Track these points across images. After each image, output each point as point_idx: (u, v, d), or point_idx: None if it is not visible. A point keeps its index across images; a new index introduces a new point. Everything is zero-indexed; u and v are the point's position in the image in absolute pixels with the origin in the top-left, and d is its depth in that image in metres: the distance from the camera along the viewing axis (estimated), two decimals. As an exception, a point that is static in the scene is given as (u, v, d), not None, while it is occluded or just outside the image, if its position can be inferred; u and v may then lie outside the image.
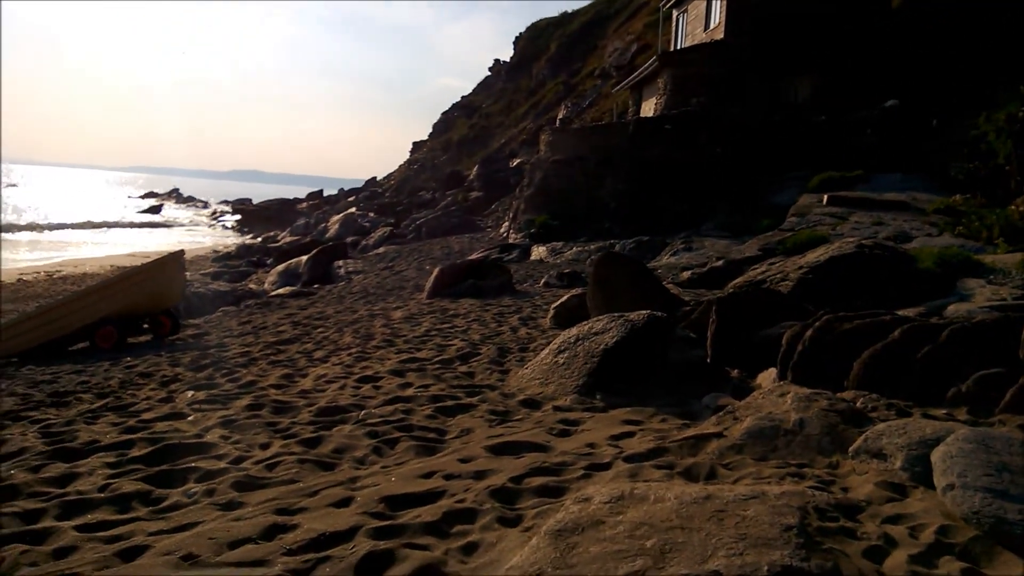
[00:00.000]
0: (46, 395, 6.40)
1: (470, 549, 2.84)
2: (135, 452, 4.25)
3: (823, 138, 18.42)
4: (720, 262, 12.19)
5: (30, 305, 17.34)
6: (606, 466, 3.63)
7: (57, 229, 48.46)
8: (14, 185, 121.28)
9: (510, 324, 8.58)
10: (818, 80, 20.98)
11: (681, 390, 5.16)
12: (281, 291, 16.41)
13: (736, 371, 5.64)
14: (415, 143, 71.07)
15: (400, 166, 67.81)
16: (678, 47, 27.37)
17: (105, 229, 51.45)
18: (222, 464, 3.95)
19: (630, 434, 4.21)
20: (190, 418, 4.99)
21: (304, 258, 20.43)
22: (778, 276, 8.80)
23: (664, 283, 9.19)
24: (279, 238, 37.34)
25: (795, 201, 15.08)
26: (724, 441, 3.89)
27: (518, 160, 36.79)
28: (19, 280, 24.14)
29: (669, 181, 18.94)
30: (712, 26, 23.94)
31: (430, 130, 71.04)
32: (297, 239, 32.79)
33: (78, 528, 3.23)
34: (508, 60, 66.43)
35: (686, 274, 12.11)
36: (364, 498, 3.33)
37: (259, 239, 40.18)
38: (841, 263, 8.24)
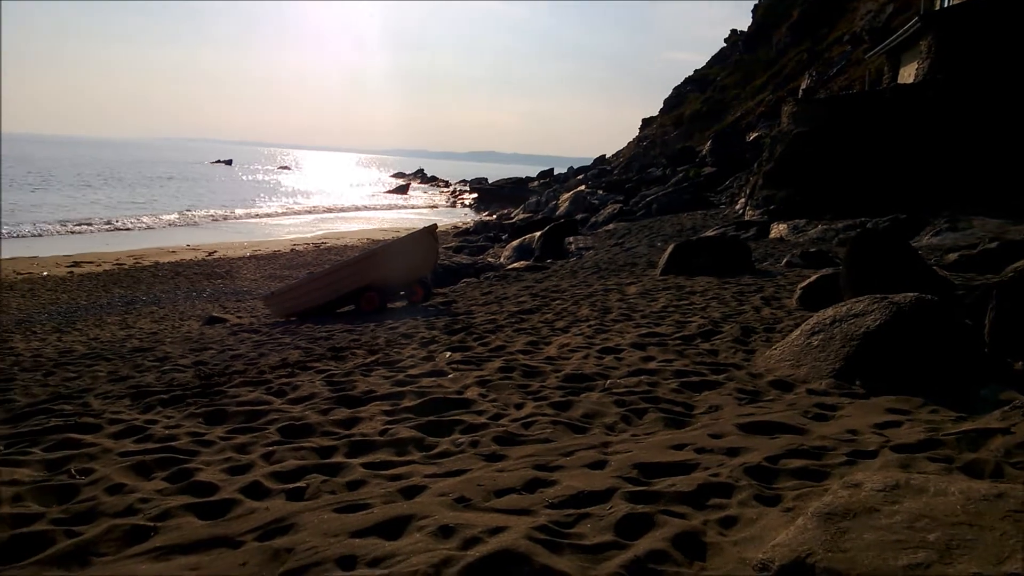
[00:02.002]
0: (325, 349, 7.24)
1: (728, 523, 2.82)
2: (406, 403, 4.70)
3: None
4: (994, 244, 10.87)
5: (302, 272, 19.63)
6: (872, 454, 3.42)
7: (324, 211, 54.09)
8: (287, 168, 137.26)
9: (752, 303, 8.29)
10: None
11: (953, 380, 4.70)
12: (516, 265, 17.11)
13: (1020, 363, 5.03)
14: (644, 120, 70.33)
15: (629, 143, 67.54)
16: (944, 5, 24.45)
17: (361, 206, 56.68)
18: (482, 419, 4.25)
19: (896, 423, 3.92)
20: (450, 376, 5.40)
21: (537, 234, 21.12)
22: (1072, 260, 7.68)
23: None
24: (512, 215, 38.88)
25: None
26: (1012, 438, 3.50)
27: (755, 134, 35.11)
28: (292, 250, 27.39)
29: (930, 154, 17.10)
30: (988, -22, 21.07)
31: (660, 106, 69.89)
32: (529, 216, 33.95)
33: (364, 465, 3.63)
34: (745, 30, 63.36)
35: (952, 256, 10.93)
36: (617, 463, 3.42)
37: (494, 216, 42.09)
38: None
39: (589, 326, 7.38)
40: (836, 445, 3.56)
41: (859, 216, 16.27)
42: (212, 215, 42.83)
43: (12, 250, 25.48)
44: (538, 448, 3.71)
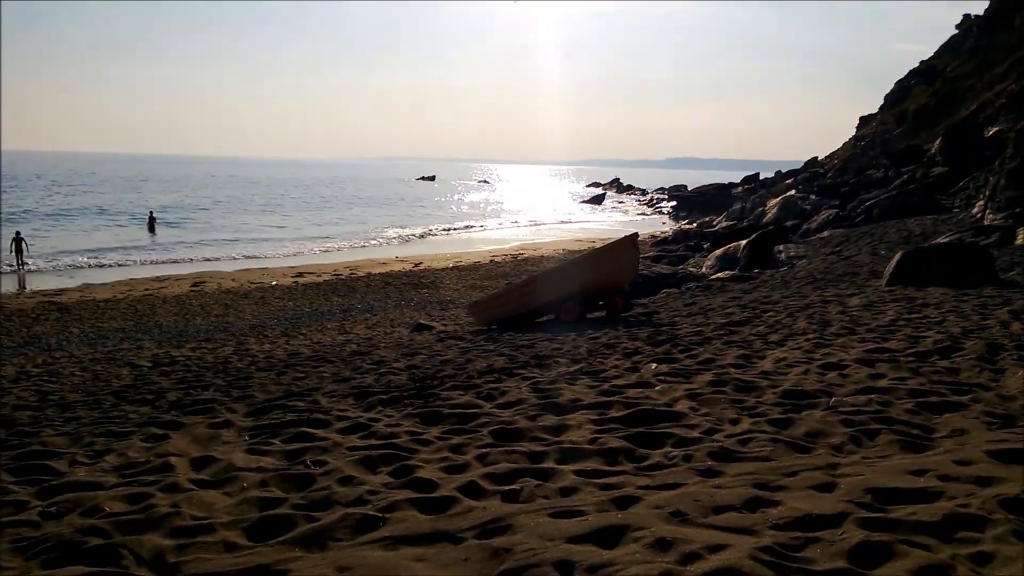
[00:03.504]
0: (529, 357, 7.38)
1: (982, 559, 2.50)
2: (613, 413, 4.66)
3: None
4: None
5: (501, 282, 20.26)
6: None
7: (521, 223, 55.72)
8: (486, 182, 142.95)
9: (998, 317, 7.38)
10: None
11: None
12: (721, 275, 16.54)
13: None
14: (862, 118, 65.41)
15: (844, 144, 63.16)
16: None
17: (557, 219, 57.72)
18: (695, 433, 4.11)
19: None
20: (657, 388, 5.28)
21: (742, 242, 20.29)
22: None
23: None
24: (714, 223, 37.74)
25: None
26: None
27: (995, 128, 31.42)
28: (491, 261, 28.41)
29: None
30: None
31: (880, 102, 64.67)
32: (733, 223, 32.77)
33: (575, 472, 3.63)
34: (981, 14, 57.09)
35: None
36: (847, 486, 3.16)
37: (694, 224, 41.10)
38: None
39: (807, 340, 6.93)
40: (1116, 480, 3.06)
41: None
42: (420, 229, 45.56)
43: (247, 263, 28.85)
44: (757, 466, 3.52)
